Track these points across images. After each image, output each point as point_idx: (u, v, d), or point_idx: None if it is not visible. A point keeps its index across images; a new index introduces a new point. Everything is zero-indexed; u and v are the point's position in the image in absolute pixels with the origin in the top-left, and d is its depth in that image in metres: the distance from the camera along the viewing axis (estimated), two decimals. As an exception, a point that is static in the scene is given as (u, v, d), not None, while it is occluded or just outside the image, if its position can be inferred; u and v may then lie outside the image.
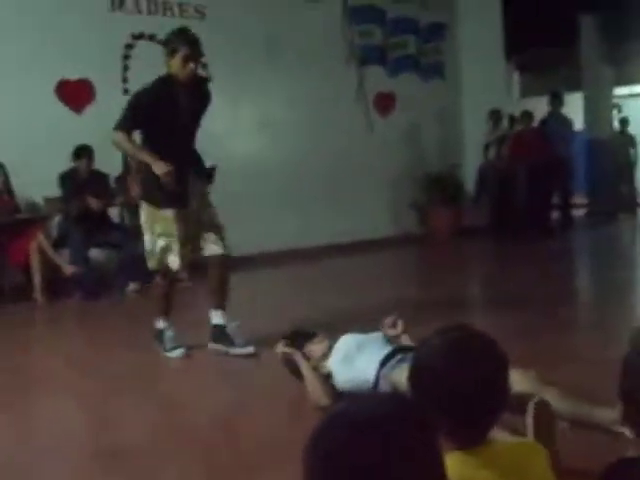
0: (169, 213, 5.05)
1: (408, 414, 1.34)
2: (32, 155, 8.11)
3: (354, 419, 1.30)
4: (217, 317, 5.22)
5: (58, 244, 7.98)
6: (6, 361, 5.58)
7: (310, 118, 10.34)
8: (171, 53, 4.92)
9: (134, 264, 8.14)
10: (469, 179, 12.09)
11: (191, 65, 4.90)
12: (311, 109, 10.38)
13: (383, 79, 11.46)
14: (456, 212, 11.45)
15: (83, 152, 8.14)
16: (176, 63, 4.91)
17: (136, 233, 8.41)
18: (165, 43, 5.04)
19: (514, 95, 17.91)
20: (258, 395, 4.44)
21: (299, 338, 4.23)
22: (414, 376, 1.79)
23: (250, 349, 5.09)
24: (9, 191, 7.96)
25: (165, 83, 4.99)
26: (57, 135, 8.33)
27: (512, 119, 12.33)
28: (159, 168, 4.83)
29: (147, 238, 5.20)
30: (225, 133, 9.47)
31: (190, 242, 5.16)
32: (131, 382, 4.94)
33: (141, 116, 4.92)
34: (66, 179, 8.14)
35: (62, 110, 8.61)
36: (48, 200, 8.26)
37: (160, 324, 5.36)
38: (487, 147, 11.81)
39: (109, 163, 8.38)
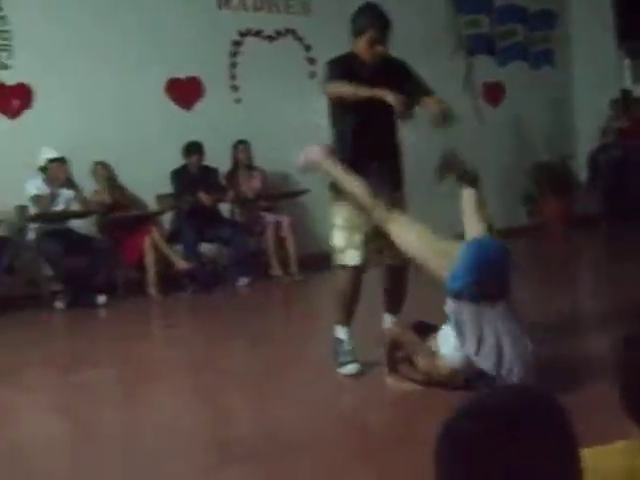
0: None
1: (545, 408, 1.27)
2: (144, 153, 8.25)
3: (489, 411, 1.24)
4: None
5: (171, 240, 8.12)
6: (123, 354, 5.71)
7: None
8: (357, 34, 4.42)
9: (244, 259, 8.26)
10: (581, 168, 11.77)
11: (379, 49, 4.42)
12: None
13: (492, 68, 11.23)
14: (568, 202, 11.15)
15: (193, 148, 8.25)
16: (362, 45, 4.41)
17: (246, 229, 8.59)
18: (352, 20, 4.50)
19: (626, 82, 17.39)
20: (380, 391, 4.37)
21: (424, 329, 4.23)
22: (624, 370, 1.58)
23: None
24: (121, 189, 8.14)
25: (349, 62, 4.45)
26: (168, 133, 8.45)
27: (627, 106, 11.93)
28: (388, 96, 4.19)
29: (339, 234, 4.53)
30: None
31: (376, 242, 4.53)
32: (246, 375, 4.97)
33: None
34: (177, 175, 8.27)
35: (172, 108, 8.72)
36: (160, 197, 8.40)
37: (339, 333, 4.63)
38: (604, 133, 11.47)
39: (219, 159, 8.49)
